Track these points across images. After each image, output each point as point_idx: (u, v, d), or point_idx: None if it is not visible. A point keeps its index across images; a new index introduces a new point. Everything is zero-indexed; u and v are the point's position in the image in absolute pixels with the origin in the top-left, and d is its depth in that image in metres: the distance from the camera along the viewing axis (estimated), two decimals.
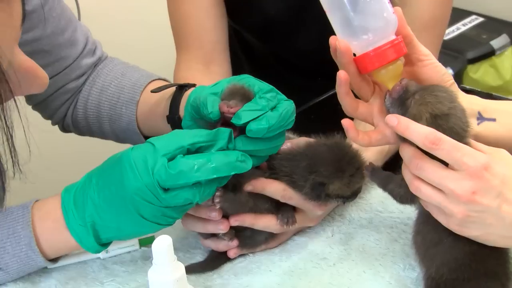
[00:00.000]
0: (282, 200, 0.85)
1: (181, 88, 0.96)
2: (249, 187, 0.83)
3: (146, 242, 0.91)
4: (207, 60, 1.13)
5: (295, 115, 0.80)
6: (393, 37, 0.75)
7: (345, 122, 0.79)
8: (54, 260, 0.85)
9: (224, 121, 0.78)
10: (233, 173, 0.75)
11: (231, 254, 0.88)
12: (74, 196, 0.78)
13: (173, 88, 0.97)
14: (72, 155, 1.87)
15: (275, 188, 0.84)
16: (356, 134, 0.79)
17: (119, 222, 0.76)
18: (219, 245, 0.88)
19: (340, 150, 0.83)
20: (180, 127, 0.89)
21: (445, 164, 0.71)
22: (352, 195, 0.84)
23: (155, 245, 0.68)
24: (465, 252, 0.75)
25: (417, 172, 0.72)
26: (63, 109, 1.08)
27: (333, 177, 0.82)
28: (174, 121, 0.95)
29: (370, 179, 0.83)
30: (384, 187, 0.81)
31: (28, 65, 0.66)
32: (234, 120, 0.76)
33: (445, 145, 0.69)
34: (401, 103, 0.75)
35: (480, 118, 0.80)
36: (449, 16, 1.12)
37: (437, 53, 1.11)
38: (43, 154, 1.04)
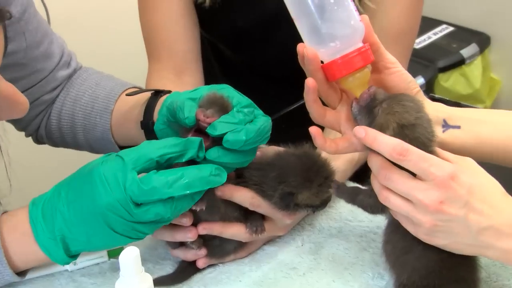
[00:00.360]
0: (250, 208, 0.85)
1: (157, 94, 0.96)
2: (218, 192, 0.83)
3: (115, 254, 0.91)
4: (179, 70, 1.13)
5: (270, 131, 0.80)
6: (360, 44, 0.75)
7: (312, 129, 0.79)
8: (22, 274, 0.84)
9: (198, 128, 0.78)
10: (207, 187, 0.75)
11: (200, 264, 0.88)
12: (43, 209, 0.77)
13: (148, 94, 0.97)
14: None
15: (243, 196, 0.84)
16: (323, 141, 0.79)
17: (89, 236, 0.76)
18: (188, 255, 0.87)
19: (308, 160, 0.83)
20: (154, 134, 0.89)
21: (413, 174, 0.72)
22: (321, 204, 0.84)
23: (122, 256, 0.68)
24: (435, 260, 0.76)
25: (386, 182, 0.73)
26: (37, 120, 1.07)
27: (301, 187, 0.82)
28: (148, 126, 0.94)
29: (336, 196, 0.83)
30: (353, 200, 0.81)
31: (10, 91, 0.66)
32: (209, 130, 0.76)
33: (412, 156, 0.70)
34: (369, 111, 0.75)
35: (446, 125, 0.81)
36: (418, 27, 1.13)
37: (407, 63, 1.13)
38: (23, 189, 1.04)
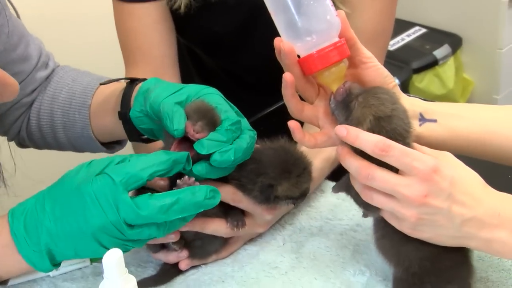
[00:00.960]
0: (231, 203, 0.86)
1: (132, 82, 0.95)
2: None
3: (97, 258, 0.90)
4: (155, 75, 1.12)
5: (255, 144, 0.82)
6: (337, 39, 0.76)
7: (291, 123, 0.79)
8: (4, 282, 0.84)
9: (185, 136, 0.79)
10: (200, 211, 0.76)
11: (182, 266, 0.88)
12: (25, 223, 0.76)
13: (123, 84, 0.96)
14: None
15: (225, 191, 0.84)
16: (302, 135, 0.80)
17: (77, 250, 0.76)
18: (170, 257, 0.88)
19: (285, 152, 0.84)
20: (131, 125, 0.90)
21: (393, 169, 0.73)
22: (300, 195, 0.85)
23: (105, 258, 0.68)
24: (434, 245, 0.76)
25: (368, 182, 0.73)
26: (17, 123, 1.07)
27: (280, 179, 0.83)
28: (126, 117, 0.93)
29: (335, 192, 0.84)
30: (349, 191, 0.81)
31: None
32: (197, 148, 0.77)
33: (395, 151, 0.71)
34: (345, 105, 0.76)
35: (422, 119, 0.82)
36: (392, 29, 1.15)
37: (381, 62, 1.14)
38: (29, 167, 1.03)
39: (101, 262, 0.75)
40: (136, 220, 0.73)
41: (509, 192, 0.76)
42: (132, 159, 0.76)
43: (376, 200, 0.74)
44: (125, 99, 0.93)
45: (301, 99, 0.82)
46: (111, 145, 1.07)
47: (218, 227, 0.86)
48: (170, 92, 0.83)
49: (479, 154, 0.85)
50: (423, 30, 2.57)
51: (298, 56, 0.77)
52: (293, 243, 0.93)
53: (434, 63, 2.47)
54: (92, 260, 0.91)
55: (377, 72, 0.80)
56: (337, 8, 1.07)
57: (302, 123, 0.82)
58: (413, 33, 2.57)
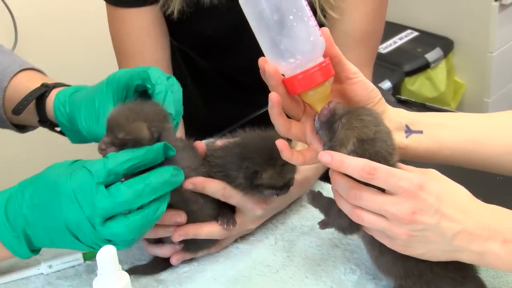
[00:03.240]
0: (222, 199, 0.87)
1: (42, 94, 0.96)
2: (189, 185, 0.84)
3: (90, 256, 0.91)
4: None
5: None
6: (321, 59, 0.75)
7: (279, 143, 0.79)
8: None
9: None
10: (170, 189, 0.77)
11: (173, 260, 0.89)
12: (6, 209, 0.77)
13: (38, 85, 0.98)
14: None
15: (215, 187, 0.85)
16: (290, 154, 0.79)
17: (53, 240, 0.77)
18: (165, 250, 0.89)
19: (272, 140, 0.83)
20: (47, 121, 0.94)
21: (380, 189, 0.73)
22: (284, 185, 0.86)
23: (99, 255, 0.69)
24: None
25: (356, 202, 0.74)
26: None
27: (266, 165, 0.83)
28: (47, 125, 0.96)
29: (311, 205, 0.84)
30: (327, 214, 0.82)
31: None
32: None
33: (381, 173, 0.71)
34: (329, 126, 0.76)
35: (408, 131, 0.83)
36: (382, 30, 1.16)
37: (372, 64, 1.15)
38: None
39: (94, 260, 0.76)
40: (113, 209, 0.73)
41: (498, 192, 0.77)
42: (109, 154, 0.77)
43: (366, 219, 0.74)
44: (40, 108, 0.95)
45: (288, 116, 0.82)
46: (24, 127, 1.07)
47: (211, 230, 0.88)
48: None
49: (465, 163, 0.85)
50: (415, 33, 2.59)
51: (283, 75, 0.77)
52: (285, 242, 0.94)
53: (426, 66, 2.48)
54: (85, 258, 0.91)
55: (362, 87, 0.80)
56: (326, 13, 1.08)
57: (289, 140, 0.82)
58: (405, 36, 2.58)
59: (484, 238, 0.72)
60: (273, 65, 0.75)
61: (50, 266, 0.89)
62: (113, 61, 1.18)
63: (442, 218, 0.72)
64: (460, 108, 2.59)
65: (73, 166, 0.77)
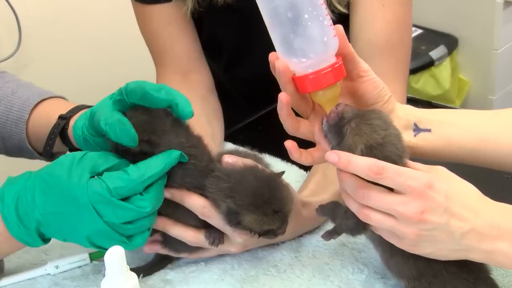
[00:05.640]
0: (201, 217, 0.83)
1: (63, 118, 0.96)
2: (167, 194, 0.82)
3: (97, 256, 0.91)
4: (184, 70, 1.15)
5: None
6: (334, 59, 0.74)
7: (287, 143, 0.78)
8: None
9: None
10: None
11: (145, 249, 0.88)
12: (17, 210, 0.77)
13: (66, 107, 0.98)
14: None
15: (194, 202, 0.83)
16: (299, 154, 0.79)
17: (68, 240, 0.79)
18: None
19: (265, 186, 0.81)
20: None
21: (389, 188, 0.73)
22: (263, 233, 0.82)
23: (107, 256, 0.69)
24: None
25: (364, 201, 0.73)
26: None
27: (246, 209, 0.80)
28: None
29: (318, 215, 0.83)
30: (334, 218, 0.81)
31: None
32: None
33: (388, 172, 0.71)
34: (338, 130, 0.76)
35: (417, 129, 0.82)
36: (410, 41, 1.11)
37: (403, 77, 1.09)
38: None
39: (101, 260, 0.76)
40: (129, 187, 0.75)
41: (506, 190, 0.77)
42: (130, 168, 0.77)
43: (374, 218, 0.73)
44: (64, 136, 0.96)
45: (296, 114, 0.81)
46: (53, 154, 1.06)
47: (181, 232, 0.85)
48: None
49: (473, 161, 0.84)
50: (419, 31, 2.58)
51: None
52: (292, 241, 0.94)
53: (430, 63, 2.48)
54: (92, 258, 0.91)
55: (373, 85, 0.79)
56: (334, 8, 1.07)
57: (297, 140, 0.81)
58: None
59: (494, 237, 0.72)
60: (284, 62, 0.74)
61: (57, 267, 0.89)
62: (116, 61, 1.19)
63: (451, 217, 0.71)
64: (464, 105, 2.58)
65: (84, 167, 0.76)
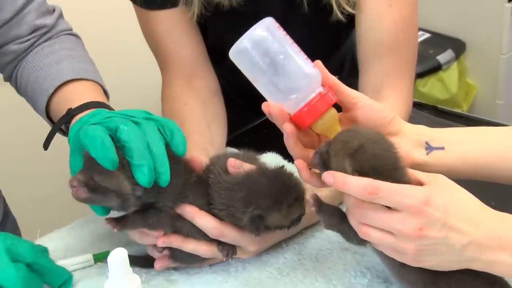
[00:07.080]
0: (211, 237, 0.84)
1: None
2: (178, 210, 0.84)
3: (101, 258, 0.92)
4: (188, 74, 1.15)
5: None
6: (320, 89, 0.78)
7: (297, 163, 0.79)
8: None
9: None
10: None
11: (157, 266, 0.88)
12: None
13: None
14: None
15: (205, 222, 0.84)
16: (309, 175, 0.80)
17: None
18: (145, 239, 0.87)
19: (278, 181, 0.83)
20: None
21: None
22: (291, 224, 0.84)
23: (110, 257, 0.69)
24: None
25: (362, 220, 0.74)
26: (7, 70, 1.06)
27: (271, 210, 0.82)
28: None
29: (316, 215, 0.83)
30: (342, 232, 0.81)
31: None
32: None
33: (384, 192, 0.71)
34: (327, 165, 0.77)
35: (429, 147, 0.82)
36: (416, 41, 1.12)
37: (409, 76, 1.10)
38: None
39: (105, 262, 0.77)
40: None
41: (510, 194, 0.76)
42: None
43: (373, 236, 0.74)
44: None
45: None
46: None
47: (196, 247, 0.86)
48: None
49: (488, 178, 0.84)
50: (427, 35, 2.58)
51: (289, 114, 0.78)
52: (296, 245, 0.94)
53: (437, 67, 2.47)
54: (95, 260, 0.92)
55: (370, 110, 0.81)
56: (343, 9, 1.07)
57: None
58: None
59: (494, 248, 0.72)
60: (277, 105, 0.78)
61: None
62: (116, 61, 1.19)
63: (449, 231, 0.71)
64: (471, 110, 2.58)
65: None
